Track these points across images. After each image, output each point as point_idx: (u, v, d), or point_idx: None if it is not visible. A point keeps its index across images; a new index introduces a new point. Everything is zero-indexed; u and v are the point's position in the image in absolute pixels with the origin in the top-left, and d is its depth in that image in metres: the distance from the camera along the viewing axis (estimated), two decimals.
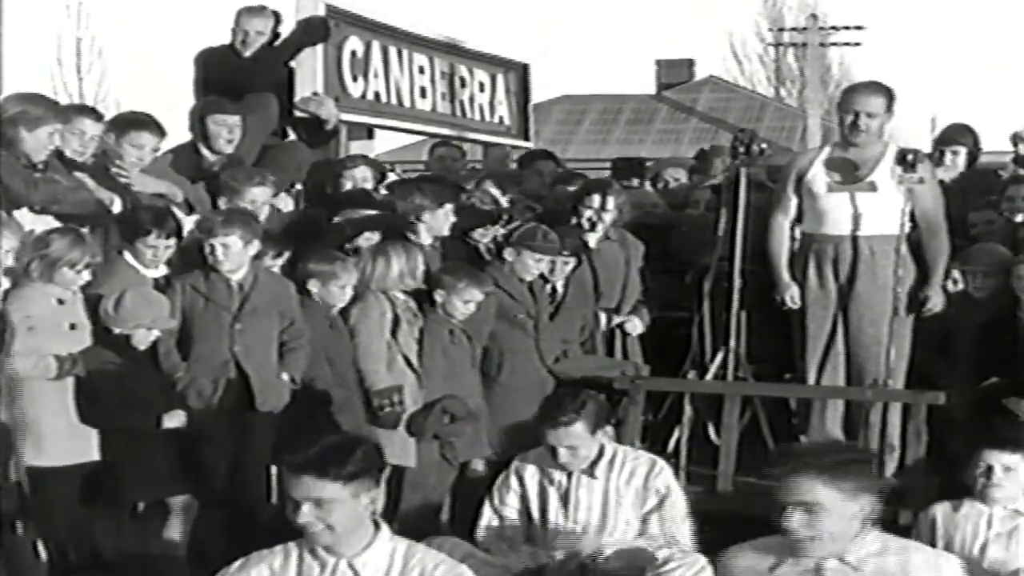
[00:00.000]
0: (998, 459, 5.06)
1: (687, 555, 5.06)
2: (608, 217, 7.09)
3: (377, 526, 3.89)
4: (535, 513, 5.32)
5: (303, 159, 7.81)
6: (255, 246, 6.05)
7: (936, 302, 6.68)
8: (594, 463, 5.27)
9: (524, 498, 5.35)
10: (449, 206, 6.78)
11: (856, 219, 6.64)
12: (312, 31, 8.11)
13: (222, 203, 6.70)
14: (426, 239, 6.69)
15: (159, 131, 6.75)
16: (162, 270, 6.00)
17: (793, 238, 6.89)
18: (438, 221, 6.73)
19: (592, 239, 7.09)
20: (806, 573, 3.96)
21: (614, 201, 7.10)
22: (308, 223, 7.02)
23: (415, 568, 3.87)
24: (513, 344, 6.62)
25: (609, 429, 5.33)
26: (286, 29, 8.09)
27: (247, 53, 7.88)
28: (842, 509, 3.88)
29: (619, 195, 7.24)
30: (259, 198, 6.65)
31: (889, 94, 6.72)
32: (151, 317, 5.57)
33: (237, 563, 3.95)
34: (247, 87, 7.78)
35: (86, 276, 5.53)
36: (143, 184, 6.56)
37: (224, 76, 7.82)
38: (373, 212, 6.97)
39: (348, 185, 7.38)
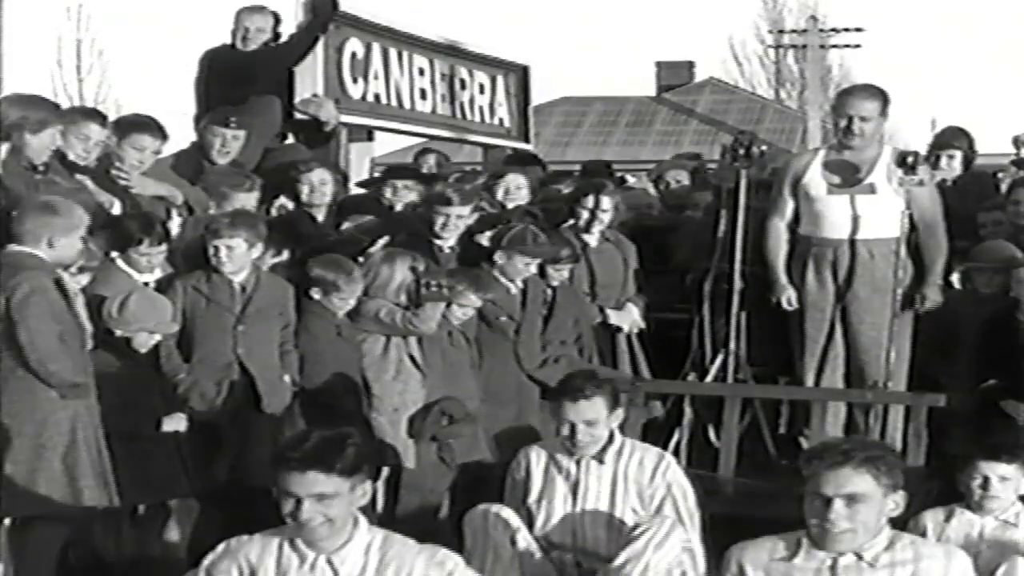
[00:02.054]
0: (994, 470, 5.04)
1: (655, 518, 5.09)
2: (606, 217, 7.08)
3: (355, 520, 3.88)
4: (542, 501, 5.31)
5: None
6: (258, 249, 6.05)
7: (933, 299, 6.66)
8: (603, 449, 5.26)
9: (527, 486, 5.35)
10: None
11: (855, 222, 6.64)
12: (319, 8, 8.08)
13: (211, 207, 6.71)
14: (449, 240, 6.73)
15: (161, 133, 6.76)
16: (156, 274, 6.00)
17: (790, 241, 6.90)
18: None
19: (591, 240, 7.09)
20: (822, 567, 3.98)
21: (610, 201, 7.09)
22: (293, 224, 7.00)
23: (392, 562, 3.85)
24: (491, 348, 6.59)
25: (620, 412, 5.31)
26: (286, 30, 8.11)
27: (248, 49, 7.90)
28: (880, 504, 3.97)
29: (614, 195, 7.23)
30: (246, 204, 6.63)
31: (884, 98, 6.72)
32: (155, 321, 5.56)
33: (220, 547, 3.95)
34: (248, 86, 7.79)
35: (82, 279, 5.52)
36: (143, 187, 6.56)
37: (226, 74, 7.83)
38: (380, 218, 6.99)
39: (306, 189, 7.18)
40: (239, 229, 5.97)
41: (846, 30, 34.43)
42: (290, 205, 7.40)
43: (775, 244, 6.83)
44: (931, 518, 5.08)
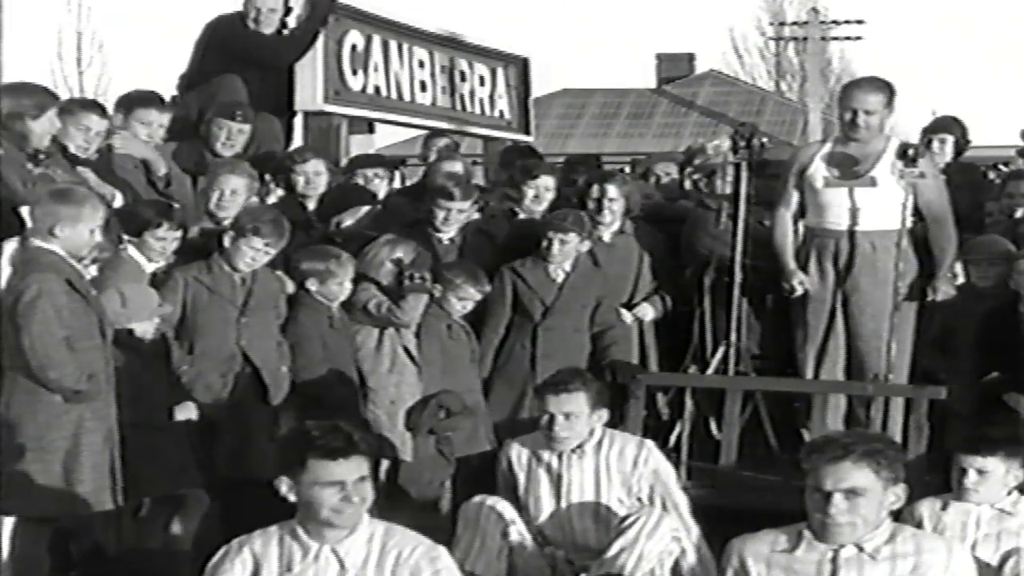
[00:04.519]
0: (971, 463, 5.03)
1: (644, 507, 5.15)
2: (616, 207, 6.95)
3: None
4: (528, 496, 5.35)
5: (278, 131, 7.84)
6: (275, 251, 6.06)
7: (945, 291, 6.64)
8: (583, 443, 5.32)
9: (514, 482, 5.38)
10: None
11: (854, 214, 6.63)
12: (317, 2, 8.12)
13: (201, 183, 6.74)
14: (449, 233, 6.73)
15: (165, 106, 6.83)
16: (161, 263, 5.99)
17: (796, 231, 6.89)
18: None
19: (606, 233, 6.96)
20: (823, 560, 4.00)
21: (617, 190, 6.97)
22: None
23: (392, 551, 3.89)
24: (516, 329, 6.59)
25: (604, 413, 5.37)
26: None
27: (258, 29, 7.92)
28: (880, 497, 3.98)
29: (623, 184, 7.11)
30: (227, 186, 6.47)
31: (889, 90, 6.70)
32: (154, 306, 5.57)
33: (220, 551, 3.97)
34: (244, 67, 7.80)
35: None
36: (127, 146, 6.59)
37: (226, 48, 7.87)
38: (371, 209, 6.98)
39: (301, 180, 7.09)
40: (266, 236, 5.97)
41: (847, 22, 34.47)
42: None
43: (782, 234, 6.80)
44: (927, 507, 5.07)
